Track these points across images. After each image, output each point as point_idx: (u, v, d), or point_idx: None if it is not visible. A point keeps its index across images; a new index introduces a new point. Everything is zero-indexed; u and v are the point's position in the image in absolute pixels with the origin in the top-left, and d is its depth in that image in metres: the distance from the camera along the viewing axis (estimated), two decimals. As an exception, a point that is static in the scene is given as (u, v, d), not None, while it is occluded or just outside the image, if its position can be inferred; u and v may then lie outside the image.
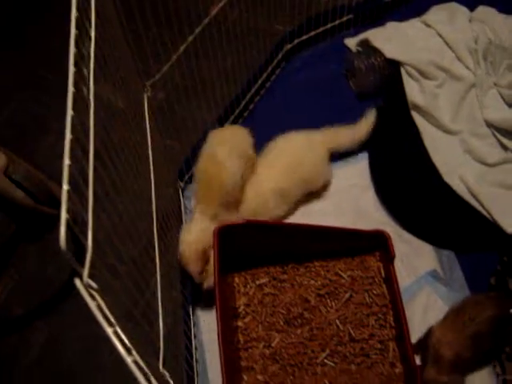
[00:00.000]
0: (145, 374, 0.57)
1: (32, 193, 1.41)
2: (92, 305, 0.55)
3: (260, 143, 1.53)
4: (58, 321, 1.46)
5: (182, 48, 1.27)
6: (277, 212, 1.46)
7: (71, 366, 1.41)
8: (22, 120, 1.80)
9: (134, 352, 0.60)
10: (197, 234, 1.31)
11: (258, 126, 1.60)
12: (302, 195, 1.50)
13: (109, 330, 0.55)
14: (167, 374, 0.98)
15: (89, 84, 0.77)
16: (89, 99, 0.75)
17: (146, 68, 1.28)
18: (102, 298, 0.62)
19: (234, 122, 1.64)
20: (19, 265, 1.55)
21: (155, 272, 1.16)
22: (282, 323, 1.35)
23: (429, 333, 1.25)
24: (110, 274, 0.82)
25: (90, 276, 0.64)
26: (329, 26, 1.80)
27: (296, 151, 1.46)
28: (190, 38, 1.28)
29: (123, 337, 0.59)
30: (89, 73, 0.78)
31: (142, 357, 0.64)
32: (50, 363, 1.43)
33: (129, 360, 0.56)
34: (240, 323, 1.35)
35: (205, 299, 1.40)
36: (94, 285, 0.62)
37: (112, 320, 0.60)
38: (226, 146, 1.35)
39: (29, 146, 1.72)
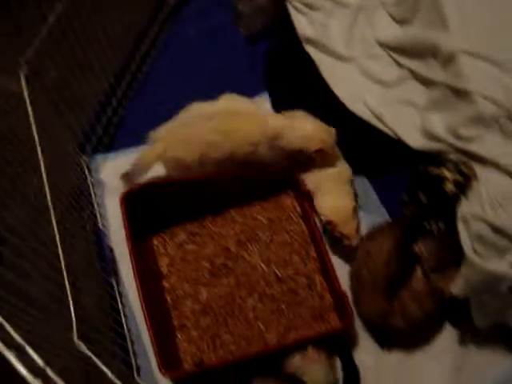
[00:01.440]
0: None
1: None
2: None
3: (160, 107, 1.52)
4: None
5: (51, 19, 1.22)
6: None
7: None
8: None
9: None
10: None
11: (154, 88, 1.59)
12: None
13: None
14: (83, 345, 0.97)
15: None
16: None
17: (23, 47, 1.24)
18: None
19: (129, 87, 1.61)
20: None
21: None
22: (207, 276, 1.35)
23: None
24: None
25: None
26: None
27: None
28: (60, 7, 1.23)
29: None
30: None
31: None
32: None
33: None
34: (165, 284, 1.34)
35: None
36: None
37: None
38: None
39: None
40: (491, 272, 1.14)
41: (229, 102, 1.36)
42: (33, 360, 0.79)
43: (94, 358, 0.98)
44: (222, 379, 1.24)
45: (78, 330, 0.98)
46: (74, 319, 0.99)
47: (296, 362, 1.22)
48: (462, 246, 1.17)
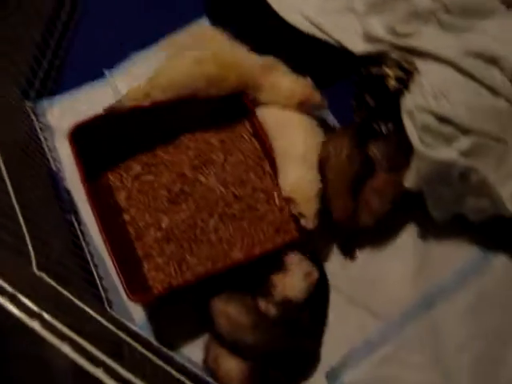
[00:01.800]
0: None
1: None
2: None
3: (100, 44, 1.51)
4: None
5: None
6: None
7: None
8: None
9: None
10: None
11: (92, 23, 1.59)
12: None
13: None
14: (44, 275, 0.98)
15: None
16: None
17: None
18: None
19: (66, 26, 1.59)
20: None
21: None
22: (166, 204, 1.35)
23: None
24: None
25: None
26: None
27: None
28: None
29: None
30: None
31: None
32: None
33: None
34: (126, 217, 1.34)
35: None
36: None
37: None
38: None
39: None
40: (440, 160, 1.17)
41: (218, 48, 1.38)
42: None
43: (57, 287, 0.98)
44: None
45: (37, 262, 0.98)
46: (30, 249, 0.98)
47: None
48: (410, 138, 1.19)
